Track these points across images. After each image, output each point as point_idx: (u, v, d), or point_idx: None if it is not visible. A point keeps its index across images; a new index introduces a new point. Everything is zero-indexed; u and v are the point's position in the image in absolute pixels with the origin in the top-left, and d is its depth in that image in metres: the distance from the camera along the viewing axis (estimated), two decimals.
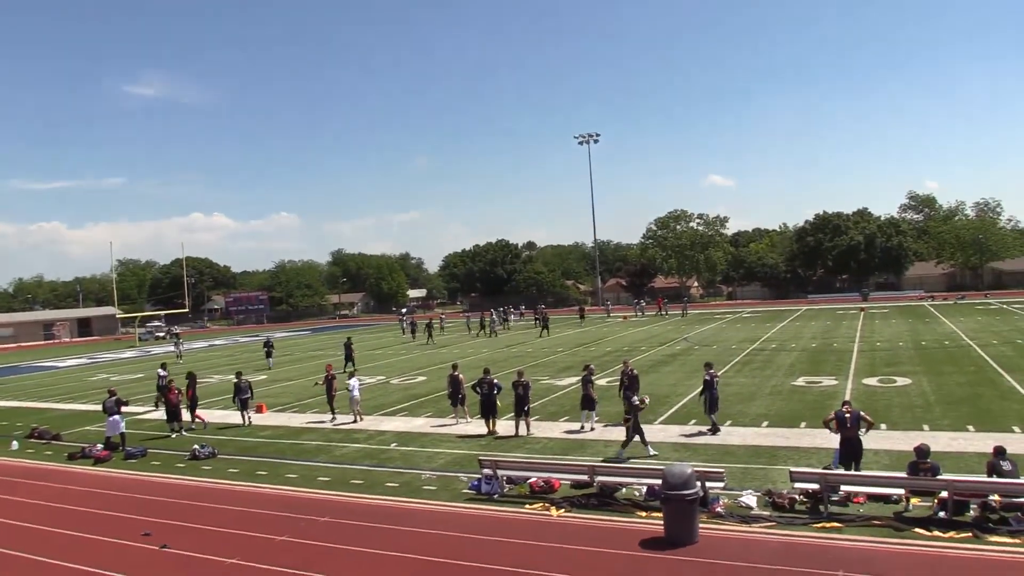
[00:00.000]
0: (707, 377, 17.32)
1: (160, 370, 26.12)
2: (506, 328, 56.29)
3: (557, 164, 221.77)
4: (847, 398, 13.95)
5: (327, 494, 14.16)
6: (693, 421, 18.27)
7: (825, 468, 12.56)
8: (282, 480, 15.41)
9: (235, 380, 22.50)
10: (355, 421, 21.21)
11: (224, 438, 20.15)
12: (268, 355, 38.43)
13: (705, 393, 17.31)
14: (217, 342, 66.75)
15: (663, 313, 64.37)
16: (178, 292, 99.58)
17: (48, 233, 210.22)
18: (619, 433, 17.63)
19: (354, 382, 21.57)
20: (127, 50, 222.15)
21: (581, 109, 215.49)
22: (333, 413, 21.77)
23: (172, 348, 50.98)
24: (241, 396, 22.16)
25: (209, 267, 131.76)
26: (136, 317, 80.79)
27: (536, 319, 54.14)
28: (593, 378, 18.59)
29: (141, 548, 11.57)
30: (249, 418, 22.36)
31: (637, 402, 15.64)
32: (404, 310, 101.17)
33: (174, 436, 20.64)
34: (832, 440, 15.27)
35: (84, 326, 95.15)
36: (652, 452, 15.32)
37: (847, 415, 12.79)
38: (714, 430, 17.15)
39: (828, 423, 13.19)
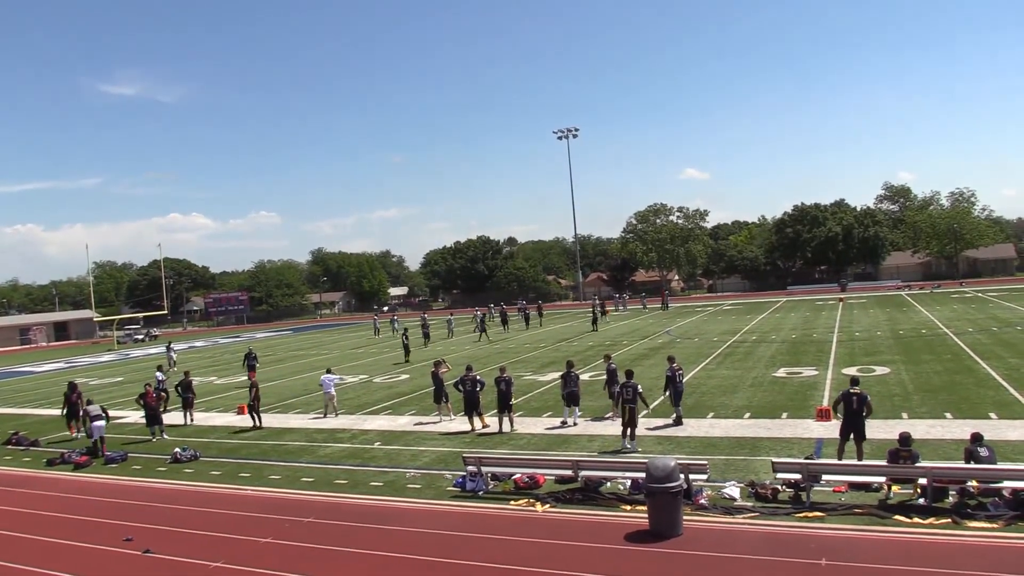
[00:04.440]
0: (668, 373, 17.62)
1: (184, 377, 25.37)
2: (505, 329, 49.63)
3: (536, 159, 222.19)
4: (856, 378, 14.13)
5: (311, 495, 14.08)
6: (675, 415, 18.35)
7: (807, 458, 12.69)
8: (265, 481, 15.30)
9: (182, 378, 23.16)
10: (334, 415, 21.74)
11: (206, 440, 19.97)
12: (251, 368, 32.36)
13: (669, 387, 17.59)
14: (197, 343, 66.15)
15: (664, 307, 63.34)
16: (156, 294, 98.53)
17: (24, 235, 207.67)
18: (602, 427, 17.75)
19: (328, 378, 22.10)
20: (103, 49, 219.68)
21: (558, 104, 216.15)
22: (257, 420, 21.34)
23: (161, 350, 48.13)
24: (184, 394, 22.37)
25: (188, 268, 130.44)
26: (114, 320, 79.88)
27: (523, 314, 54.22)
28: (576, 372, 18.62)
29: (123, 553, 11.44)
30: (191, 418, 22.65)
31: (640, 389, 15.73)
32: (386, 308, 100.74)
33: (155, 440, 20.42)
34: (813, 430, 15.47)
35: (61, 330, 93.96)
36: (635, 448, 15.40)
37: (854, 396, 13.02)
38: (678, 421, 17.40)
39: (835, 406, 13.39)
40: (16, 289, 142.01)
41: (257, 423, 21.21)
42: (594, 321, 47.00)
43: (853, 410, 13.00)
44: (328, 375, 22.37)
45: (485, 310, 55.28)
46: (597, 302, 53.39)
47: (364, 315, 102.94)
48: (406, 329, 39.86)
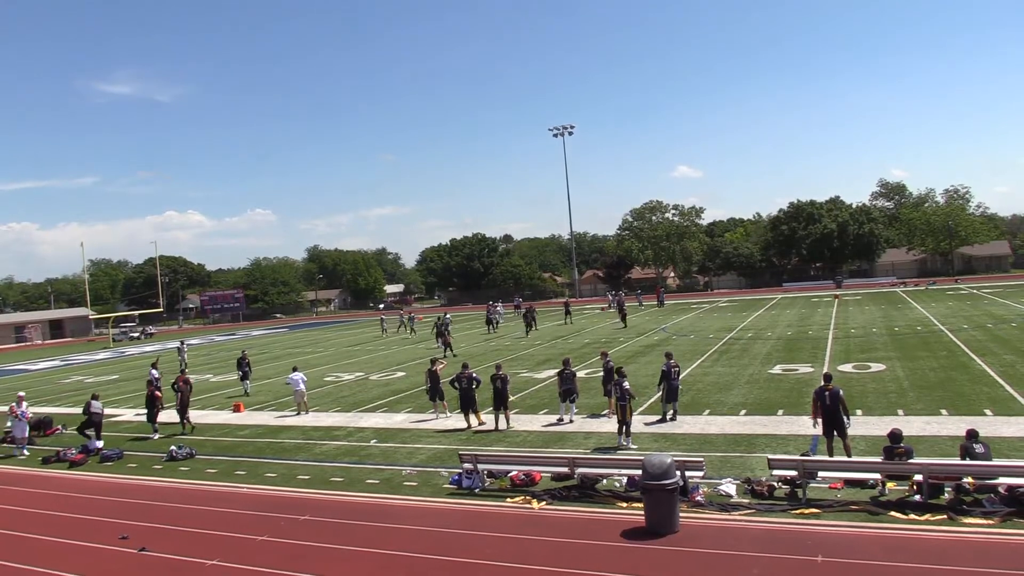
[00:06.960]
0: (664, 368, 17.45)
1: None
2: (494, 329, 48.77)
3: (532, 157, 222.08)
4: (828, 375, 14.09)
5: (307, 492, 14.06)
6: (671, 411, 18.36)
7: (803, 455, 12.70)
8: (261, 479, 15.27)
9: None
10: (298, 413, 22.29)
11: (202, 438, 19.93)
12: (244, 377, 28.33)
13: (663, 383, 17.43)
14: (193, 341, 65.97)
15: (659, 304, 62.84)
16: (152, 292, 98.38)
17: (19, 233, 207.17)
18: (598, 424, 17.75)
19: (297, 376, 22.55)
20: (100, 48, 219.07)
21: (553, 102, 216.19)
22: (188, 422, 21.04)
23: (158, 348, 47.52)
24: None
25: (183, 265, 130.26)
26: (110, 318, 79.69)
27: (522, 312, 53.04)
28: (572, 370, 18.58)
29: (119, 552, 11.42)
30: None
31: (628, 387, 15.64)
32: (382, 305, 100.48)
33: (156, 437, 20.33)
34: (809, 426, 15.48)
35: (56, 328, 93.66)
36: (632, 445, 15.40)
37: (827, 393, 13.03)
38: (672, 418, 17.42)
39: (814, 405, 13.37)
40: (11, 287, 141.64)
41: (187, 424, 20.97)
42: (623, 317, 46.07)
43: (828, 406, 13.01)
44: (295, 373, 22.88)
45: (528, 305, 53.22)
46: (619, 298, 52.16)
47: (360, 312, 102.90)
48: (439, 324, 39.47)
